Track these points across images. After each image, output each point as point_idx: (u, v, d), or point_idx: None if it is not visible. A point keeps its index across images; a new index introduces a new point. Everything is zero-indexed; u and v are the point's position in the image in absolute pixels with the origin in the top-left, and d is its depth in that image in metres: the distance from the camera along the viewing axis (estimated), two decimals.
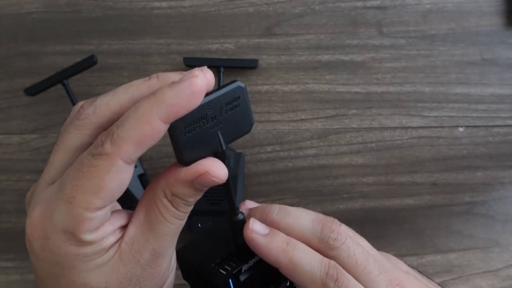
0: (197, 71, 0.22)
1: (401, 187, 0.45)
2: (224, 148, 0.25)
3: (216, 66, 0.45)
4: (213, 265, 0.26)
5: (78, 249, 0.23)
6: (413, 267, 0.30)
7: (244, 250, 0.27)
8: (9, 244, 0.45)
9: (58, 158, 0.27)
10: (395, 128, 0.46)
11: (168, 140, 0.43)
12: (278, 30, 0.46)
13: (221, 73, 0.44)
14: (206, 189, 0.24)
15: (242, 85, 0.25)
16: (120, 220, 0.25)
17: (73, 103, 0.43)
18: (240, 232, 0.26)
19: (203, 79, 0.22)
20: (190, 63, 0.45)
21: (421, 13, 0.47)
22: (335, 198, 0.45)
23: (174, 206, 0.24)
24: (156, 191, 0.24)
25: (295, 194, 0.45)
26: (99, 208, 0.22)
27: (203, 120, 0.24)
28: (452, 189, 0.45)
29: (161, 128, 0.22)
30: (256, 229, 0.26)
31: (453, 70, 0.46)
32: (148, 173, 0.44)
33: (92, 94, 0.46)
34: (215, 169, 0.23)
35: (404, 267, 0.29)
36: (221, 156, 0.25)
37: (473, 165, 0.45)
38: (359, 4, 0.46)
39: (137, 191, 0.41)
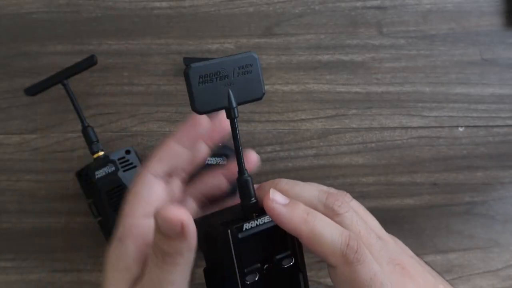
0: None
1: (401, 187, 0.45)
2: (234, 105, 0.26)
3: None
4: (218, 223, 0.27)
5: (118, 259, 0.28)
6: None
7: (249, 213, 0.28)
8: (9, 244, 0.45)
9: None
10: (395, 128, 0.46)
11: None
12: (278, 30, 0.46)
13: None
14: (170, 235, 0.25)
15: (255, 55, 0.27)
16: None
17: (73, 103, 0.43)
18: (247, 192, 0.28)
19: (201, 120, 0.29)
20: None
21: (421, 13, 0.47)
22: None
23: (170, 267, 0.26)
24: (154, 253, 0.26)
25: None
26: (144, 214, 0.28)
27: (216, 76, 0.27)
28: (452, 189, 0.45)
29: (176, 148, 0.28)
30: (276, 199, 0.27)
31: (453, 70, 0.46)
32: None
33: (92, 94, 0.46)
34: (168, 209, 0.25)
35: (410, 252, 0.29)
36: (230, 113, 0.26)
37: (473, 165, 0.45)
38: (359, 4, 0.46)
39: None
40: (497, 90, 0.46)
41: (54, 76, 0.43)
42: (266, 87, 0.46)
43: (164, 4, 0.47)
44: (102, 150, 0.42)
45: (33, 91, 0.43)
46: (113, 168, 0.41)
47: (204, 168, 0.42)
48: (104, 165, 0.41)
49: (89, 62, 0.42)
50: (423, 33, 0.46)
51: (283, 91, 0.46)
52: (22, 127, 0.46)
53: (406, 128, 0.46)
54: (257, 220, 0.28)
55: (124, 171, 0.41)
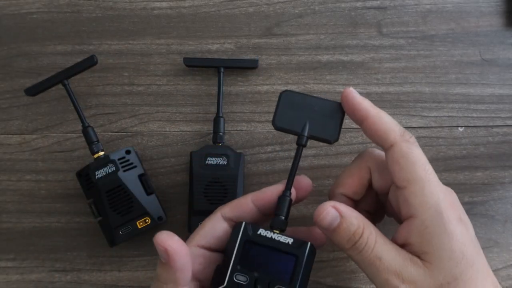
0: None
1: None
2: (305, 134, 0.31)
3: (216, 66, 0.45)
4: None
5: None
6: None
7: (274, 226, 0.31)
8: (9, 244, 0.45)
9: None
10: None
11: (168, 140, 0.44)
12: (278, 30, 0.46)
13: (221, 73, 0.44)
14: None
15: (342, 107, 0.31)
16: None
17: (74, 103, 0.43)
18: (283, 208, 0.31)
19: (178, 254, 0.29)
20: (190, 63, 0.45)
21: (421, 14, 0.47)
22: None
23: None
24: None
25: None
26: (197, 244, 0.32)
27: (301, 107, 0.31)
28: (452, 189, 0.45)
29: (249, 205, 0.32)
30: (353, 90, 0.31)
31: (452, 70, 0.46)
32: (148, 173, 0.44)
33: (92, 94, 0.46)
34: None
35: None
36: (300, 140, 0.31)
37: (473, 165, 0.45)
38: (359, 4, 0.47)
39: (137, 191, 0.42)
40: (496, 90, 0.46)
41: (54, 76, 0.43)
42: (266, 87, 0.46)
43: (164, 4, 0.47)
44: (102, 150, 0.42)
45: (33, 91, 0.43)
46: (113, 168, 0.41)
47: (204, 168, 0.42)
48: (104, 165, 0.41)
49: (89, 62, 0.43)
50: (423, 33, 0.46)
51: None
52: (22, 127, 0.46)
53: (406, 128, 0.46)
54: (274, 233, 0.29)
55: (124, 171, 0.42)
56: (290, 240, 0.29)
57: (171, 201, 0.45)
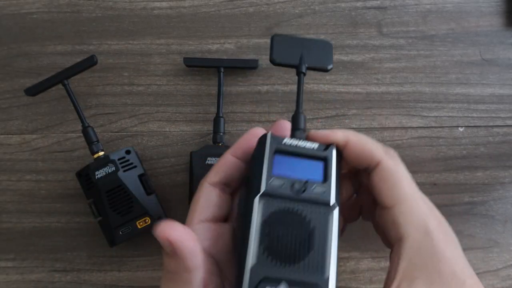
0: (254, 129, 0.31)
1: None
2: (303, 63, 0.31)
3: (216, 66, 0.45)
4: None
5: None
6: None
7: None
8: (9, 244, 0.45)
9: None
10: (395, 128, 0.46)
11: (168, 140, 0.43)
12: (278, 30, 0.46)
13: (221, 74, 0.44)
14: (168, 250, 0.27)
15: (331, 43, 0.33)
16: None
17: (73, 103, 0.43)
18: (299, 123, 0.31)
19: (257, 130, 0.31)
20: (190, 63, 0.45)
21: (421, 13, 0.47)
22: None
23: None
24: None
25: None
26: (200, 220, 0.29)
27: (294, 45, 0.32)
28: (452, 189, 0.45)
29: (231, 159, 0.31)
30: (316, 132, 0.31)
31: (453, 70, 0.46)
32: (148, 173, 0.44)
33: (92, 94, 0.46)
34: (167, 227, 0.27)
35: None
36: (299, 68, 0.31)
37: (473, 165, 0.45)
38: (359, 4, 0.46)
39: (137, 191, 0.41)
40: (497, 90, 0.46)
41: (55, 76, 0.43)
42: (266, 87, 0.46)
43: (164, 4, 0.47)
44: (102, 150, 0.42)
45: (33, 91, 0.43)
46: (113, 168, 0.41)
47: (204, 168, 0.42)
48: (104, 165, 0.41)
49: (89, 62, 0.43)
50: (423, 33, 0.46)
51: (283, 91, 0.46)
52: (22, 127, 0.46)
53: (406, 128, 0.46)
54: (299, 141, 0.29)
55: (124, 171, 0.42)
56: (315, 145, 0.29)
57: (171, 201, 0.45)
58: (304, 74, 0.32)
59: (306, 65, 0.32)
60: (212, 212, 0.30)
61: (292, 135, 0.31)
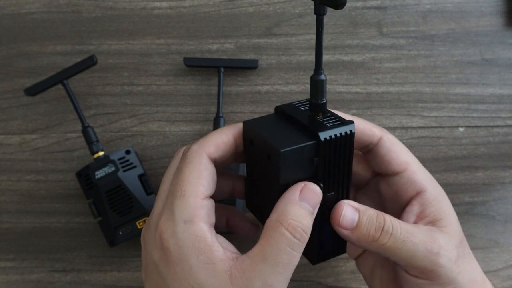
0: None
1: None
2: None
3: (216, 66, 0.45)
4: (276, 136, 0.29)
5: (197, 240, 0.26)
6: None
7: (315, 111, 0.31)
8: (9, 244, 0.45)
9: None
10: (395, 128, 0.46)
11: (168, 140, 0.43)
12: (278, 30, 0.46)
13: (221, 73, 0.44)
14: (315, 210, 0.28)
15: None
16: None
17: (73, 103, 0.43)
18: (320, 91, 0.30)
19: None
20: (190, 63, 0.45)
21: (421, 13, 0.47)
22: None
23: (290, 232, 0.26)
24: (271, 223, 0.27)
25: None
26: (206, 196, 0.28)
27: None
28: (452, 189, 0.45)
29: (231, 140, 0.30)
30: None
31: (453, 70, 0.46)
32: (148, 173, 0.44)
33: (92, 94, 0.46)
34: (309, 184, 0.28)
35: None
36: (319, 9, 0.28)
37: (473, 165, 0.45)
38: (359, 4, 0.46)
39: (137, 191, 0.42)
40: (497, 90, 0.46)
41: (54, 76, 0.43)
42: (266, 87, 0.46)
43: (164, 4, 0.47)
44: (102, 150, 0.42)
45: (33, 91, 0.43)
46: (113, 168, 0.41)
47: None
48: (104, 165, 0.41)
49: (89, 62, 0.43)
50: (423, 33, 0.46)
51: (283, 91, 0.46)
52: (22, 127, 0.46)
53: (406, 128, 0.46)
54: (323, 118, 0.30)
55: (124, 171, 0.42)
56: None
57: None
58: (324, 13, 0.28)
59: (321, 2, 0.27)
60: (213, 188, 0.29)
61: (312, 107, 0.31)
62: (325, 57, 0.46)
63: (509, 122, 0.46)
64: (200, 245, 0.27)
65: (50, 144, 0.46)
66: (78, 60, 0.43)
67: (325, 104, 0.30)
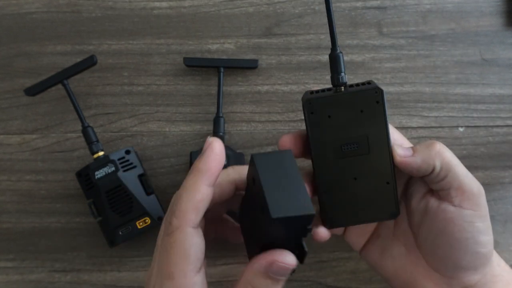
0: (209, 139, 0.29)
1: None
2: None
3: (216, 66, 0.45)
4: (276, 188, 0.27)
5: None
6: None
7: (337, 86, 0.33)
8: (9, 244, 0.45)
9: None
10: (395, 128, 0.46)
11: (168, 140, 0.43)
12: (278, 30, 0.46)
13: (221, 73, 0.44)
14: (284, 278, 0.27)
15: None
16: None
17: (73, 103, 0.43)
18: (338, 66, 0.33)
19: (216, 142, 0.28)
20: (190, 63, 0.45)
21: (421, 13, 0.47)
22: None
23: None
24: (242, 285, 0.28)
25: None
26: (195, 272, 0.27)
27: None
28: None
29: (209, 191, 0.28)
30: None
31: (453, 70, 0.46)
32: (148, 173, 0.44)
33: (92, 94, 0.46)
34: (281, 257, 0.27)
35: None
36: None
37: (473, 165, 0.45)
38: (359, 4, 0.46)
39: (137, 191, 0.42)
40: (497, 90, 0.46)
41: (54, 76, 0.43)
42: (266, 87, 0.46)
43: (164, 4, 0.47)
44: (102, 150, 0.42)
45: (33, 91, 0.43)
46: (113, 168, 0.41)
47: None
48: (104, 165, 0.41)
49: (89, 62, 0.43)
50: (423, 33, 0.46)
51: (283, 91, 0.46)
52: (22, 127, 0.46)
53: (406, 128, 0.46)
54: (349, 88, 0.32)
55: (124, 171, 0.42)
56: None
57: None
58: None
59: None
60: (202, 256, 0.28)
61: (335, 81, 0.33)
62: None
63: (509, 122, 0.46)
64: None
65: (50, 144, 0.46)
66: (78, 60, 0.43)
67: (344, 76, 0.33)
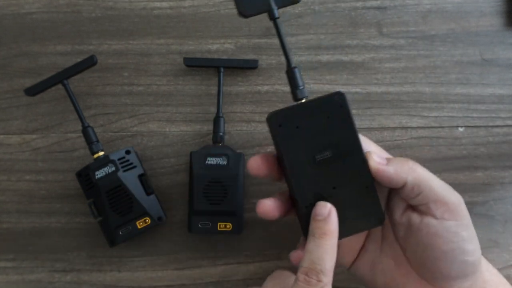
0: (327, 205, 0.32)
1: None
2: (274, 7, 0.32)
3: (216, 66, 0.45)
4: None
5: None
6: None
7: (298, 100, 0.33)
8: (9, 244, 0.45)
9: None
10: (395, 128, 0.46)
11: (168, 140, 0.44)
12: None
13: (221, 73, 0.44)
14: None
15: None
16: None
17: (73, 103, 0.43)
18: (296, 80, 0.33)
19: (332, 212, 0.32)
20: (190, 63, 0.45)
21: (421, 13, 0.47)
22: None
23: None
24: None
25: None
26: None
27: None
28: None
29: (336, 243, 0.32)
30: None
31: (453, 70, 0.46)
32: (148, 173, 0.44)
33: (92, 94, 0.46)
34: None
35: None
36: (272, 14, 0.33)
37: (473, 165, 0.45)
38: (359, 4, 0.46)
39: (137, 191, 0.42)
40: (497, 90, 0.46)
41: (54, 76, 0.43)
42: (266, 87, 0.46)
43: (164, 4, 0.47)
44: (102, 150, 0.42)
45: (33, 91, 0.43)
46: (113, 168, 0.41)
47: (204, 168, 0.42)
48: (104, 165, 0.41)
49: (89, 62, 0.43)
50: (423, 34, 0.46)
51: (283, 91, 0.46)
52: (22, 127, 0.46)
53: (406, 128, 0.46)
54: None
55: (124, 171, 0.42)
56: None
57: (171, 201, 0.45)
58: (278, 18, 0.33)
59: (277, 6, 0.32)
60: None
61: (296, 95, 0.33)
62: (325, 57, 0.46)
63: (509, 122, 0.46)
64: None
65: (50, 144, 0.46)
66: (78, 60, 0.43)
67: (303, 90, 0.33)
